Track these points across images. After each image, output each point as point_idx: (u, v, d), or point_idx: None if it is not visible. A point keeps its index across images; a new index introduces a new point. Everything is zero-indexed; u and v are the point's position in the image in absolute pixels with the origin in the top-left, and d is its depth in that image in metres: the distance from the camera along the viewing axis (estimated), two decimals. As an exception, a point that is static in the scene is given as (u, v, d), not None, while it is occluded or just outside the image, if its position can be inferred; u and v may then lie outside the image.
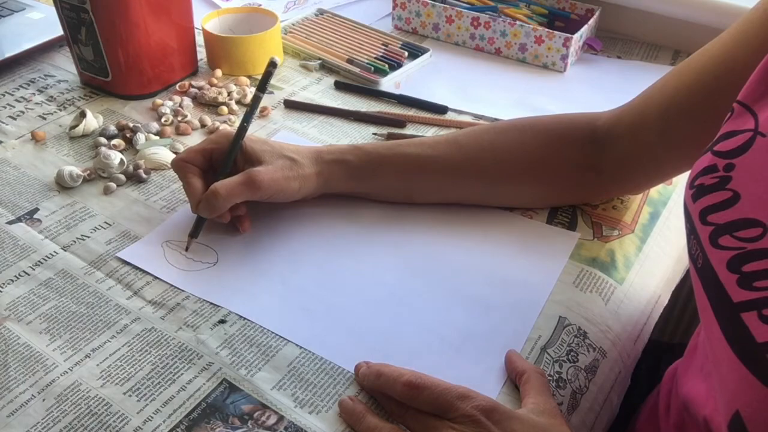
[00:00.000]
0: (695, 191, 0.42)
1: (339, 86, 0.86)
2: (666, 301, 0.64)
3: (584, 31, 0.90)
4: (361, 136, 0.77)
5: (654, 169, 0.61)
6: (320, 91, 0.85)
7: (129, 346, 0.53)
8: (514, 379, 0.50)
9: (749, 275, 0.37)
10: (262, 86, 0.64)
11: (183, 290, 0.57)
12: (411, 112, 0.81)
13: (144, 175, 0.70)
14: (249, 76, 0.86)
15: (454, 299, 0.57)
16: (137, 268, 0.59)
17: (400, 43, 0.93)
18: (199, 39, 0.87)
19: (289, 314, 0.55)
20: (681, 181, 0.72)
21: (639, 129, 0.59)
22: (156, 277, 0.58)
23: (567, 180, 0.64)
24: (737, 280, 0.37)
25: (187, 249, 0.61)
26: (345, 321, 0.55)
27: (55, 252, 0.61)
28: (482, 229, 0.64)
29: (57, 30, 0.85)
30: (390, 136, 0.76)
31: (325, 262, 0.60)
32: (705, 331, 0.42)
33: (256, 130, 0.78)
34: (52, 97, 0.83)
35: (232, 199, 0.58)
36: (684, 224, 0.44)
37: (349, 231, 0.63)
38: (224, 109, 0.80)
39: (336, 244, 0.62)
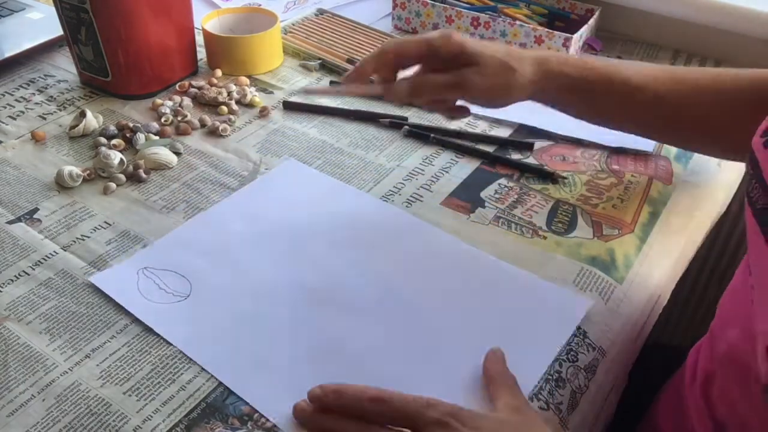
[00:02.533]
0: (767, 140, 0.43)
1: (335, 86, 0.86)
2: (666, 301, 0.64)
3: (584, 31, 0.90)
4: (362, 136, 0.77)
5: None
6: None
7: (129, 346, 0.53)
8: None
9: None
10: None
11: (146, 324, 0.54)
12: (410, 112, 0.81)
13: (144, 175, 0.70)
14: (249, 76, 0.86)
15: (448, 352, 0.53)
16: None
17: (400, 43, 0.93)
18: (199, 39, 0.87)
19: (241, 369, 0.51)
20: (681, 182, 0.72)
21: None
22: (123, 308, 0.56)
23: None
24: None
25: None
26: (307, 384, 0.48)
27: (55, 252, 0.61)
28: (490, 286, 0.59)
29: (57, 30, 0.85)
30: (391, 125, 0.76)
31: (309, 315, 0.55)
32: (754, 268, 0.44)
33: (256, 130, 0.78)
34: (52, 97, 0.83)
35: (437, 95, 0.59)
36: (746, 170, 0.46)
37: (337, 282, 0.58)
38: (224, 108, 0.80)
39: (322, 296, 0.57)
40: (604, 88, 0.62)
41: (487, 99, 0.60)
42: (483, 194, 0.69)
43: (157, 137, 0.75)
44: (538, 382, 0.51)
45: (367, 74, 0.60)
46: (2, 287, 0.57)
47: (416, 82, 0.59)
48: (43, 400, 0.49)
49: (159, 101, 0.81)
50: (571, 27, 0.91)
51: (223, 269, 0.59)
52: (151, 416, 0.48)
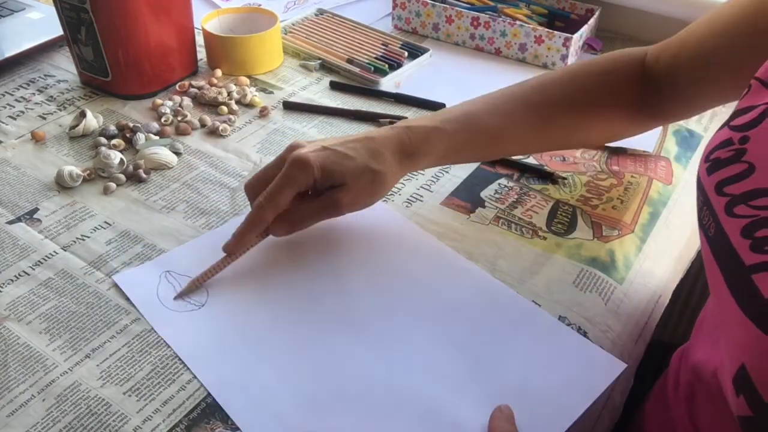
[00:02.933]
0: (710, 165, 0.44)
1: (334, 86, 0.86)
2: (667, 301, 0.64)
3: (584, 31, 0.90)
4: (361, 136, 0.77)
5: (686, 107, 0.64)
6: (320, 91, 0.85)
7: (129, 346, 0.53)
8: None
9: (762, 240, 0.39)
10: None
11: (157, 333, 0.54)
12: (410, 112, 0.81)
13: (144, 175, 0.70)
14: (249, 76, 0.86)
15: (476, 395, 0.49)
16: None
17: (400, 43, 0.93)
18: (199, 39, 0.87)
19: (236, 388, 0.50)
20: (681, 181, 0.72)
21: (674, 69, 0.60)
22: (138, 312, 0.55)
23: (622, 114, 0.65)
24: (750, 245, 0.39)
25: (177, 297, 0.56)
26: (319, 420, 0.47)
27: (55, 252, 0.61)
28: (510, 326, 0.55)
29: (57, 30, 0.85)
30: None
31: (320, 345, 0.53)
32: (714, 297, 0.43)
33: (256, 130, 0.78)
34: (52, 97, 0.83)
35: (314, 222, 0.59)
36: (696, 198, 0.45)
37: (354, 315, 0.55)
38: (224, 108, 0.80)
39: (337, 326, 0.54)
40: (470, 149, 0.63)
41: (363, 206, 0.60)
42: (483, 194, 0.69)
43: (157, 137, 0.75)
44: None
45: (249, 244, 0.58)
46: (2, 287, 0.57)
47: (292, 220, 0.58)
48: (43, 400, 0.49)
49: (159, 101, 0.81)
50: (571, 27, 0.91)
51: (242, 283, 0.57)
52: (152, 416, 0.48)
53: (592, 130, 0.67)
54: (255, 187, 0.59)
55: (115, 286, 0.58)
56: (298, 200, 0.58)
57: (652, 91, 0.62)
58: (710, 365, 0.48)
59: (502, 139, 0.63)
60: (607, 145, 0.75)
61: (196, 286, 0.56)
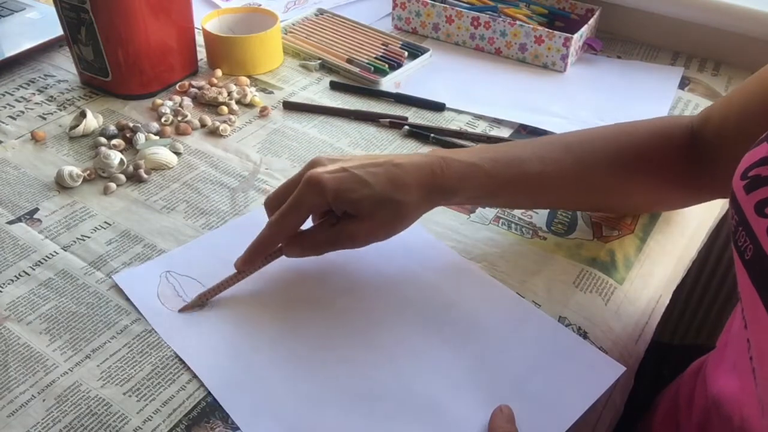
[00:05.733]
0: (749, 182, 0.40)
1: (334, 86, 0.86)
2: (667, 301, 0.63)
3: (584, 31, 0.90)
4: (362, 136, 0.77)
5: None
6: (320, 91, 0.85)
7: (129, 347, 0.53)
8: None
9: None
10: None
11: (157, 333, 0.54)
12: (410, 112, 0.81)
13: (144, 175, 0.70)
14: (249, 76, 0.86)
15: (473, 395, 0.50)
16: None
17: (400, 43, 0.93)
18: (199, 39, 0.87)
19: (245, 393, 0.49)
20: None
21: (723, 130, 0.56)
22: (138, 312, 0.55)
23: (669, 179, 0.60)
24: None
25: (182, 310, 0.55)
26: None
27: (55, 252, 0.61)
28: (512, 327, 0.55)
29: (57, 30, 0.85)
30: (391, 125, 0.76)
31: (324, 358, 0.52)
32: (752, 326, 0.40)
33: (256, 130, 0.78)
34: (52, 97, 0.83)
35: (325, 251, 0.55)
36: (730, 216, 0.43)
37: (358, 317, 0.55)
38: (224, 109, 0.80)
39: (340, 328, 0.54)
40: (507, 192, 0.58)
41: (382, 239, 0.55)
42: (483, 194, 0.69)
43: (157, 137, 0.75)
44: None
45: (259, 263, 0.56)
46: (2, 287, 0.57)
47: (304, 246, 0.55)
48: (44, 400, 0.49)
49: (159, 101, 0.81)
50: (571, 27, 0.91)
51: (244, 285, 0.56)
52: (152, 417, 0.48)
53: (635, 193, 0.62)
54: (273, 202, 0.56)
55: (116, 286, 0.58)
56: (321, 218, 0.56)
57: (702, 157, 0.58)
58: (735, 400, 0.45)
59: (543, 188, 0.59)
60: None
61: (203, 301, 0.56)
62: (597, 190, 0.61)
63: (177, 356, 0.52)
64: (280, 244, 0.56)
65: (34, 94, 0.83)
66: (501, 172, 0.56)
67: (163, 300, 0.56)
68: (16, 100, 0.82)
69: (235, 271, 0.56)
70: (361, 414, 0.48)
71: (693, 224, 0.69)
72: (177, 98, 0.81)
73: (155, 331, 0.54)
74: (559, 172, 0.58)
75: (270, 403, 0.49)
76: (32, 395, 0.49)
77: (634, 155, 0.59)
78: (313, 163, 0.55)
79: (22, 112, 0.80)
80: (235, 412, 0.48)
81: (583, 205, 0.65)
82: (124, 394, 0.49)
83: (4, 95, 0.83)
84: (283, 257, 0.56)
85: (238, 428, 0.47)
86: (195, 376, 0.50)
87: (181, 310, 0.55)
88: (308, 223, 0.56)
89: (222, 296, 0.56)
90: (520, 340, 0.54)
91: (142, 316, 0.55)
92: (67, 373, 0.51)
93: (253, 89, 0.84)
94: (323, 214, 0.56)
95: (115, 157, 0.70)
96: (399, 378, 0.51)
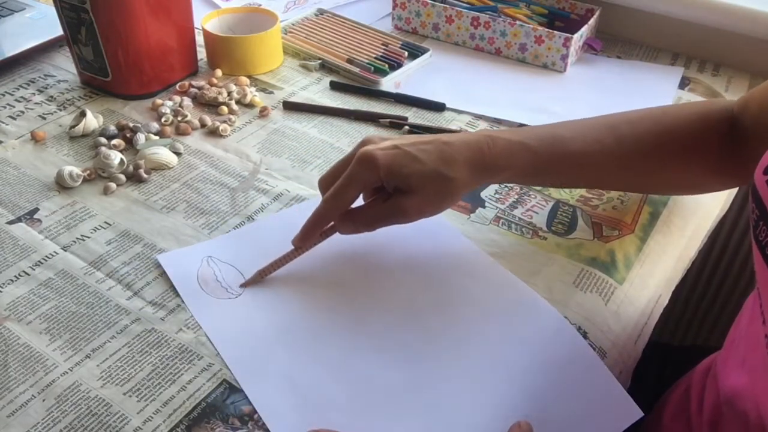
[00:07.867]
0: None
1: (334, 86, 0.86)
2: (666, 302, 0.64)
3: (584, 31, 0.90)
4: (362, 136, 0.77)
5: None
6: (320, 91, 0.85)
7: (129, 346, 0.53)
8: None
9: None
10: None
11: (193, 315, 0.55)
12: (410, 112, 0.81)
13: (144, 175, 0.70)
14: (249, 76, 0.86)
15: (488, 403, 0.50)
16: (137, 268, 0.59)
17: (400, 43, 0.93)
18: (199, 39, 0.87)
19: (267, 380, 0.50)
20: (681, 181, 0.72)
21: (763, 117, 0.56)
22: (175, 291, 0.57)
23: (709, 161, 0.60)
24: None
25: (243, 285, 0.57)
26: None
27: (55, 252, 0.61)
28: (539, 340, 0.54)
29: (57, 30, 0.85)
30: (391, 125, 0.76)
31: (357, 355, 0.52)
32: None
33: (256, 130, 0.78)
34: (52, 97, 0.83)
35: (378, 227, 0.57)
36: (750, 210, 0.42)
37: (387, 318, 0.55)
38: (224, 108, 0.80)
39: (367, 327, 0.55)
40: (551, 171, 0.59)
41: (431, 214, 0.57)
42: (483, 194, 0.69)
43: (157, 137, 0.75)
44: None
45: (314, 239, 0.58)
46: (2, 287, 0.57)
47: (357, 221, 0.56)
48: (44, 400, 0.49)
49: (159, 101, 0.81)
50: (571, 27, 0.91)
51: (280, 279, 0.58)
52: (152, 417, 0.48)
53: (674, 176, 0.62)
54: (326, 181, 0.57)
55: (116, 286, 0.58)
56: (372, 196, 0.57)
57: (741, 142, 0.58)
58: (749, 397, 0.45)
59: (586, 167, 0.60)
60: None
61: (262, 277, 0.58)
62: (637, 172, 0.61)
63: (177, 356, 0.52)
64: (332, 222, 0.57)
65: (34, 94, 0.83)
66: (546, 151, 0.58)
67: (201, 283, 0.57)
68: (16, 100, 0.82)
69: (293, 248, 0.58)
70: (377, 413, 0.49)
71: (693, 224, 0.69)
72: (177, 98, 0.81)
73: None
74: (601, 152, 0.59)
75: (291, 393, 0.50)
76: (32, 395, 0.49)
77: (675, 139, 0.60)
78: (365, 141, 0.57)
79: (22, 112, 0.80)
80: (255, 397, 0.49)
81: (622, 185, 0.65)
82: (125, 394, 0.49)
83: (4, 95, 0.83)
84: (337, 234, 0.58)
85: (238, 428, 0.47)
86: (196, 376, 0.51)
87: (242, 285, 0.57)
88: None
89: (257, 288, 0.57)
90: (550, 361, 0.53)
91: (179, 296, 0.56)
92: (67, 373, 0.51)
93: (253, 89, 0.84)
94: (374, 192, 0.57)
95: (115, 157, 0.70)
96: (418, 382, 0.51)
